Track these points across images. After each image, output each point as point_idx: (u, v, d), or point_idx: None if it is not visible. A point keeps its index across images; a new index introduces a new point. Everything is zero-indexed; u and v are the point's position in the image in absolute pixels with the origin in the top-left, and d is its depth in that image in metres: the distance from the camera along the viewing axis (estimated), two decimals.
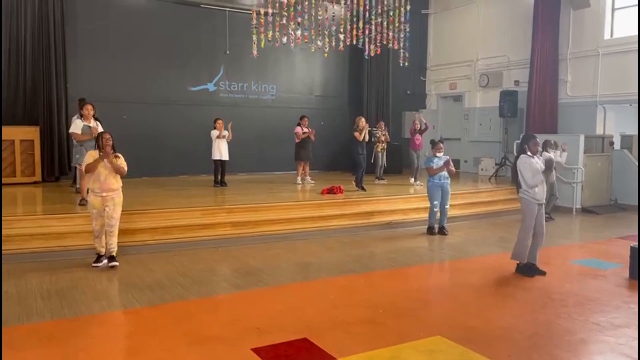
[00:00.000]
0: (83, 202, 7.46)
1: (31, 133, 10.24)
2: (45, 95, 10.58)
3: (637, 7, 10.70)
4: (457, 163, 14.66)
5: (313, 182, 11.02)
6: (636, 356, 3.80)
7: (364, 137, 10.31)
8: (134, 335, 4.23)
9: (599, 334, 4.24)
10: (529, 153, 5.97)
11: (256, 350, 3.81)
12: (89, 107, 7.87)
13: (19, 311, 4.58)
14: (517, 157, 6.08)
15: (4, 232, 6.24)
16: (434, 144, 8.35)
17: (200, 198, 8.88)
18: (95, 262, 6.05)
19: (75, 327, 4.29)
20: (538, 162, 5.96)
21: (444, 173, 8.13)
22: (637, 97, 10.53)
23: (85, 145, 7.67)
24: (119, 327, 4.42)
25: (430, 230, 8.28)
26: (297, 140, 10.97)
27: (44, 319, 4.44)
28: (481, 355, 3.75)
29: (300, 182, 10.97)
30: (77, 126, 7.77)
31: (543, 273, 5.97)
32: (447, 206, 8.36)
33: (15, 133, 10.04)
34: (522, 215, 6.04)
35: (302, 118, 11.15)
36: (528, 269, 5.96)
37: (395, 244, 7.70)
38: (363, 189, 10.06)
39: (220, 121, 10.35)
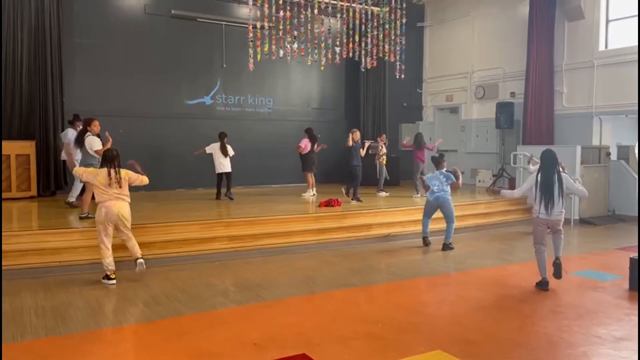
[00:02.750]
0: (91, 215, 7.47)
1: (27, 148, 10.20)
2: (41, 109, 10.55)
3: (633, 18, 10.80)
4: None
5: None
6: None
7: (352, 149, 10.29)
8: (130, 352, 4.16)
9: (601, 347, 4.19)
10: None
11: None
12: (97, 122, 7.88)
13: (13, 329, 4.50)
14: (553, 175, 5.78)
15: None
16: (444, 159, 8.16)
17: (198, 212, 8.83)
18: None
19: (70, 344, 4.22)
20: None
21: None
22: (634, 108, 10.59)
23: (95, 163, 7.53)
24: (115, 344, 4.34)
25: (452, 246, 8.08)
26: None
27: (38, 336, 4.37)
28: None
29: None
30: (97, 142, 7.67)
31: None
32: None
33: (11, 148, 9.99)
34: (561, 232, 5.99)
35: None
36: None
37: (394, 256, 7.65)
38: (359, 200, 10.06)
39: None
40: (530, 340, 4.30)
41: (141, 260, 6.02)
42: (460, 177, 8.04)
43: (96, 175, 5.89)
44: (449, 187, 7.96)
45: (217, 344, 4.21)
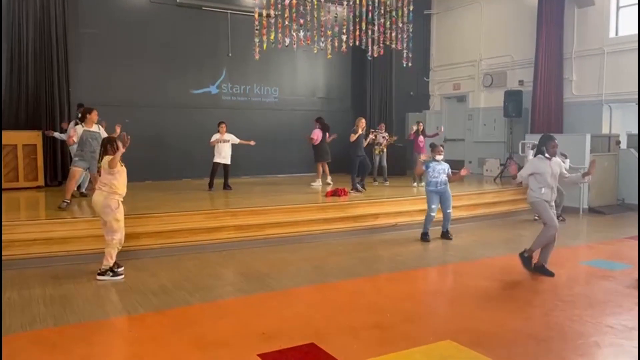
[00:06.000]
0: (63, 205, 7.61)
1: (34, 137, 10.20)
2: (47, 99, 10.54)
3: (638, 6, 10.63)
4: (461, 164, 14.58)
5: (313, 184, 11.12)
6: None
7: (359, 139, 10.20)
8: (138, 341, 4.15)
9: (612, 337, 4.15)
10: (546, 155, 5.87)
11: (262, 356, 3.74)
12: (96, 112, 7.97)
13: (21, 318, 4.51)
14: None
15: (5, 237, 6.19)
16: (433, 147, 8.03)
17: (204, 201, 8.83)
18: (117, 274, 5.73)
19: (79, 333, 4.22)
20: (555, 166, 5.88)
21: (443, 179, 7.76)
22: None
23: (85, 151, 7.72)
24: (124, 334, 4.34)
25: (424, 237, 7.85)
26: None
27: (47, 325, 4.37)
28: None
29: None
30: (76, 131, 7.85)
31: (552, 274, 5.89)
32: (450, 210, 7.95)
33: (18, 138, 10.01)
34: (539, 213, 6.09)
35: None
36: (528, 260, 6.06)
37: (401, 246, 7.62)
38: (363, 188, 10.06)
39: (223, 125, 10.29)
40: (540, 330, 4.26)
41: (98, 276, 5.69)
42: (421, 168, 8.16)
43: None
44: None
45: (225, 333, 4.20)
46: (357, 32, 11.15)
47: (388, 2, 11.36)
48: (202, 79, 12.70)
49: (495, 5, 13.87)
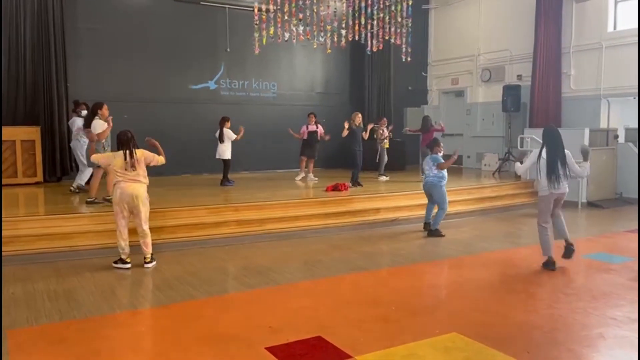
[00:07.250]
0: (98, 200, 7.61)
1: (32, 133, 10.16)
2: (45, 95, 10.49)
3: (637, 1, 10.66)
4: (459, 159, 14.63)
5: (316, 179, 11.06)
6: None
7: (353, 133, 10.18)
8: (145, 335, 4.17)
9: (616, 329, 4.18)
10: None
11: (270, 349, 3.75)
12: (106, 106, 7.97)
13: (27, 313, 4.51)
14: (559, 152, 5.86)
15: (8, 233, 6.18)
16: (437, 142, 7.99)
17: (205, 197, 8.82)
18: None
19: (85, 328, 4.22)
20: None
21: (445, 173, 7.88)
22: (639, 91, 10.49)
23: (104, 145, 7.67)
24: (130, 328, 4.34)
25: (439, 232, 7.80)
26: (304, 138, 11.05)
27: (53, 320, 4.37)
28: (499, 352, 3.69)
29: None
30: (101, 125, 7.70)
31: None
32: None
33: (16, 133, 9.97)
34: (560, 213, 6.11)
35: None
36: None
37: (402, 240, 7.64)
38: (359, 184, 10.07)
39: (229, 121, 10.31)
40: (545, 323, 4.29)
41: (148, 264, 5.98)
42: (453, 158, 7.86)
43: (113, 159, 5.89)
44: (439, 171, 7.77)
45: (232, 327, 4.21)
46: (357, 27, 11.14)
47: None
48: (201, 74, 12.66)
49: (494, 0, 13.86)
